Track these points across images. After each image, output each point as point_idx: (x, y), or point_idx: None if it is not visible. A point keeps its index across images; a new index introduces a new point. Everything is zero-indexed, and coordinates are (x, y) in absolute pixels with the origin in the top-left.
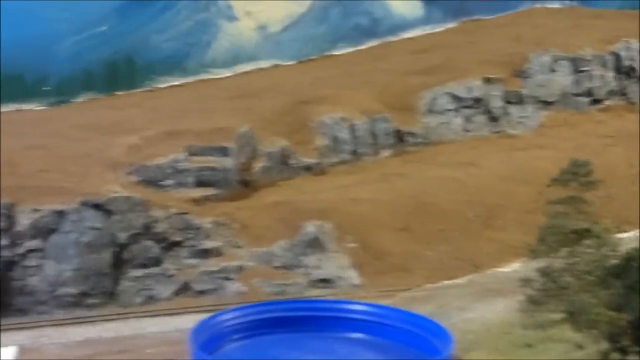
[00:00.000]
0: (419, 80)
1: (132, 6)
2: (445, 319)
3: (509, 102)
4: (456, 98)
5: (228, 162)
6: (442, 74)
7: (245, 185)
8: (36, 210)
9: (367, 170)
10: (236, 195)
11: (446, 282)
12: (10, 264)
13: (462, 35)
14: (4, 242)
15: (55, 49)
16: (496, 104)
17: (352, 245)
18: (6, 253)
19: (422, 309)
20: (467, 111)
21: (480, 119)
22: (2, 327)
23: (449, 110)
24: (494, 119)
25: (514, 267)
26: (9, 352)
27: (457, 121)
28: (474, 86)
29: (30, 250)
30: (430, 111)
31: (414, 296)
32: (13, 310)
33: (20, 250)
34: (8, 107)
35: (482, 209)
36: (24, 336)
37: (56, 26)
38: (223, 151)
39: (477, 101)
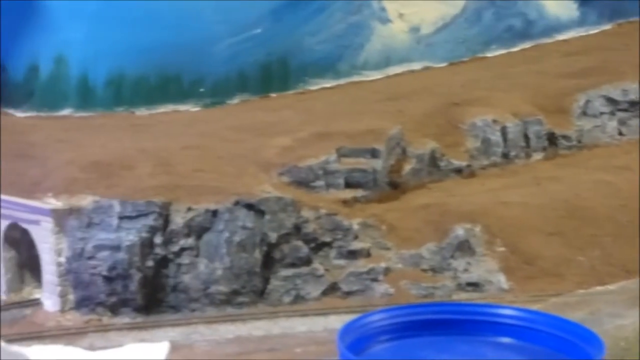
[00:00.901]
0: (573, 82)
1: (287, 9)
2: (596, 325)
3: None
4: (611, 101)
5: (377, 164)
6: (597, 76)
7: (394, 187)
8: (191, 209)
9: (518, 174)
10: (385, 196)
11: (598, 288)
12: (165, 262)
13: (618, 38)
14: (159, 240)
15: (211, 50)
16: None
17: (502, 249)
18: (161, 251)
19: (573, 315)
20: (623, 114)
21: (636, 122)
22: (156, 324)
23: (604, 113)
24: None
25: None
26: (162, 347)
27: (612, 124)
28: (630, 89)
29: (184, 249)
30: (584, 114)
31: (565, 302)
32: (166, 307)
33: (175, 248)
34: (166, 108)
35: (637, 214)
36: (177, 332)
37: (213, 28)
38: (373, 153)
39: (633, 104)
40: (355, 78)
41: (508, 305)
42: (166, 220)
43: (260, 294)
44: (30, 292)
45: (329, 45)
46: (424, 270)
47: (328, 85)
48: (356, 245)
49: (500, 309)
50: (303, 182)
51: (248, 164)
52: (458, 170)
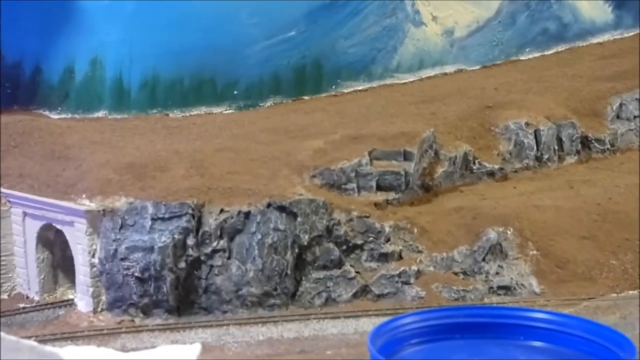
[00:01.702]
0: (607, 86)
1: (321, 12)
2: (628, 329)
3: None
4: None
5: (410, 167)
6: (631, 80)
7: (427, 189)
8: (223, 211)
9: (551, 177)
10: (417, 199)
11: (630, 292)
12: (197, 263)
13: None
14: (192, 242)
15: (245, 53)
16: None
17: (534, 252)
18: (193, 252)
19: (605, 319)
20: None
21: None
22: (187, 325)
23: (638, 116)
24: None
25: None
26: (194, 349)
27: None
28: None
29: (216, 250)
30: (618, 117)
31: (597, 305)
32: (198, 309)
33: (207, 250)
34: (200, 110)
35: None
36: (209, 334)
37: (247, 31)
38: (405, 155)
39: None
40: (389, 81)
41: (540, 309)
42: (199, 222)
43: (292, 296)
44: (63, 292)
45: (363, 48)
46: (456, 274)
47: (361, 88)
48: (388, 248)
49: (532, 312)
50: (335, 185)
51: (281, 167)
52: (491, 174)
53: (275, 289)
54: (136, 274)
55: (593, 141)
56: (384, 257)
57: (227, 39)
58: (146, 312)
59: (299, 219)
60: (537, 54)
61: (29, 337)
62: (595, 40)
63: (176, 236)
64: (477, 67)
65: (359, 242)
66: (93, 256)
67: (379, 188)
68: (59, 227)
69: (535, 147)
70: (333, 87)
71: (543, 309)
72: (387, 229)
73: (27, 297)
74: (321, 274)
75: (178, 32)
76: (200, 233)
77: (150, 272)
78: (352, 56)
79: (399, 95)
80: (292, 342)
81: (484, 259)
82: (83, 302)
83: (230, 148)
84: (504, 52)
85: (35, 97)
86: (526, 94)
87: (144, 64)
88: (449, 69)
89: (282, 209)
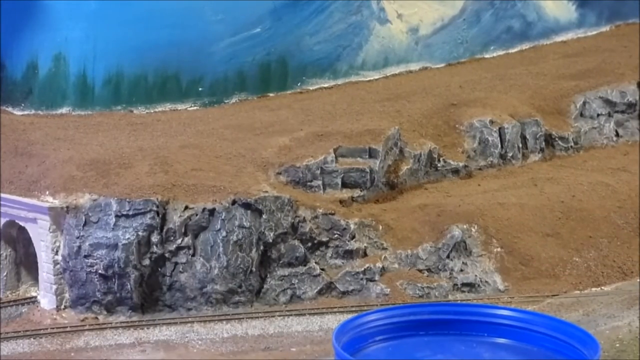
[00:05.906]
0: (571, 84)
1: (286, 9)
2: (591, 326)
3: None
4: (609, 103)
5: (375, 164)
6: (595, 78)
7: (392, 187)
8: (188, 208)
9: (516, 174)
10: (382, 197)
11: (593, 289)
12: (162, 261)
13: (616, 40)
14: (156, 239)
15: (210, 50)
16: None
17: (498, 249)
18: (158, 250)
19: (569, 316)
20: (620, 116)
21: (633, 124)
22: (151, 322)
23: (601, 115)
24: None
25: None
26: None
27: (609, 126)
28: (627, 91)
29: (181, 248)
30: (582, 115)
31: (561, 302)
32: (162, 306)
33: (171, 247)
34: (164, 107)
35: (633, 216)
36: (173, 331)
37: (212, 28)
38: (370, 153)
39: (631, 106)
40: (354, 78)
41: (504, 306)
42: (163, 219)
43: (257, 293)
44: (26, 290)
45: (328, 45)
46: (420, 271)
47: (326, 85)
48: (353, 245)
49: (496, 309)
50: (300, 182)
51: (246, 164)
52: (455, 171)
53: (240, 286)
54: (100, 271)
55: (557, 139)
56: (349, 254)
57: (192, 36)
58: (110, 309)
59: (264, 216)
60: (501, 52)
61: None
62: (559, 38)
63: (140, 233)
64: (442, 65)
65: (324, 239)
66: (56, 253)
67: (344, 185)
68: (22, 224)
69: (499, 145)
70: (298, 84)
71: (507, 306)
72: (352, 226)
73: None
74: (286, 271)
75: (142, 29)
76: (164, 230)
77: (114, 269)
78: (317, 53)
79: (364, 93)
80: (257, 339)
81: (448, 256)
82: (46, 300)
83: (195, 145)
84: (469, 50)
85: None
86: (491, 92)
87: (108, 60)
88: (414, 66)
89: (247, 206)
